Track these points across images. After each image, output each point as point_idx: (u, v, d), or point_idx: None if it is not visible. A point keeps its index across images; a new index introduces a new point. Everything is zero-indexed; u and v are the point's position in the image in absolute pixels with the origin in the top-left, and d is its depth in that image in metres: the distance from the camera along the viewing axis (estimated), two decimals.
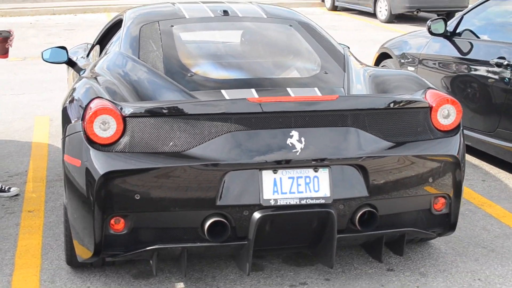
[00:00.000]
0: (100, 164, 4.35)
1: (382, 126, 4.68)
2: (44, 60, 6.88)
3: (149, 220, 4.48)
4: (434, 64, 8.19)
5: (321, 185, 4.51)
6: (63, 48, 6.85)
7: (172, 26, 5.73)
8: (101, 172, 4.32)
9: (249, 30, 6.16)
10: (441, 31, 8.10)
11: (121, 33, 5.88)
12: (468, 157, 8.04)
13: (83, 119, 4.48)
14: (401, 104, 4.77)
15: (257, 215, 4.41)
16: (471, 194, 6.94)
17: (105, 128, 4.37)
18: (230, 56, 5.81)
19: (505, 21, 7.99)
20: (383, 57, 9.39)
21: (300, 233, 4.69)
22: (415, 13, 21.05)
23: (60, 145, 7.39)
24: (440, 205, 4.92)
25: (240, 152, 4.39)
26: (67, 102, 4.95)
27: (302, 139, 4.47)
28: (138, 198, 4.35)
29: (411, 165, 4.70)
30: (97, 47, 7.20)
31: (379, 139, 4.63)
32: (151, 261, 4.65)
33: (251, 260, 4.53)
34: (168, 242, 4.52)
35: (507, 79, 7.08)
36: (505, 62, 7.12)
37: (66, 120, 4.80)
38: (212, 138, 4.40)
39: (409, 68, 8.58)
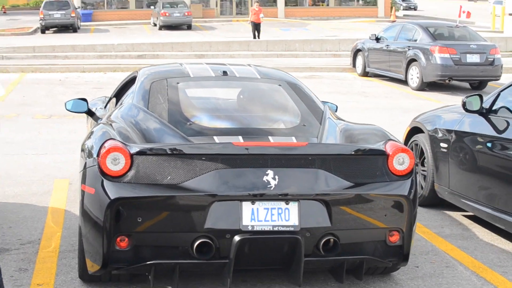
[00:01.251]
0: (110, 192, 5.34)
1: (345, 169, 5.63)
2: (66, 109, 7.96)
3: (148, 239, 5.44)
4: (469, 142, 7.84)
5: (291, 216, 5.46)
6: (84, 99, 8.00)
7: (178, 83, 6.87)
8: (111, 198, 5.31)
9: (244, 88, 7.26)
10: (477, 107, 7.76)
11: (134, 88, 6.96)
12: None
13: (98, 155, 5.48)
14: (361, 152, 5.77)
15: (237, 238, 5.34)
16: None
17: (116, 163, 5.38)
18: (224, 110, 6.94)
19: None
20: (414, 131, 9.07)
21: (274, 256, 5.60)
22: (447, 81, 20.72)
23: (77, 211, 7.47)
24: (394, 238, 5.79)
25: (225, 186, 5.39)
26: (86, 142, 6.01)
27: (276, 177, 5.46)
28: (140, 220, 5.35)
29: (369, 202, 5.64)
30: (114, 100, 8.06)
31: (342, 180, 5.58)
32: (149, 275, 5.50)
33: (231, 276, 5.41)
34: (164, 258, 5.43)
35: None
36: None
37: (84, 156, 5.87)
38: (203, 174, 5.41)
39: (442, 144, 8.24)
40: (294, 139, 6.10)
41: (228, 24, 49.30)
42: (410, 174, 5.84)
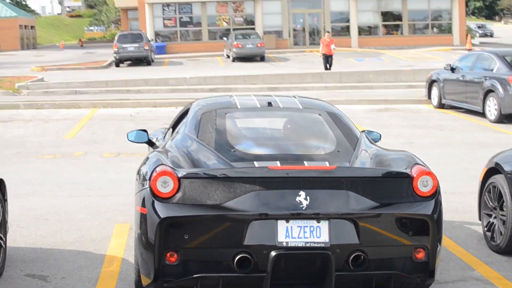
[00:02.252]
0: (160, 212, 5.98)
1: (372, 190, 6.15)
2: (128, 140, 8.67)
3: (194, 255, 6.04)
4: None
5: (322, 233, 6.01)
6: (145, 130, 8.61)
7: (226, 113, 7.48)
8: (161, 217, 5.95)
9: (286, 118, 7.80)
10: None
11: (187, 118, 7.57)
12: None
13: (149, 179, 6.11)
14: (387, 174, 6.31)
15: (273, 253, 5.91)
16: None
17: (165, 186, 6.00)
18: (266, 138, 7.50)
19: None
20: (492, 172, 8.50)
21: (307, 271, 6.13)
22: None
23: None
24: (419, 255, 6.24)
25: (262, 206, 5.97)
26: (141, 167, 6.63)
27: (308, 197, 6.02)
28: (187, 237, 5.96)
29: (394, 221, 6.14)
30: (171, 130, 8.48)
31: (368, 200, 6.10)
32: (196, 287, 6.02)
33: (270, 285, 5.96)
34: (208, 272, 5.99)
35: None
36: None
37: (139, 180, 6.53)
38: (242, 195, 5.98)
39: None
40: (327, 164, 6.61)
41: (301, 55, 49.01)
42: (434, 195, 6.32)
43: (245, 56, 44.32)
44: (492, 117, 20.12)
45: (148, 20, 53.77)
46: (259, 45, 44.74)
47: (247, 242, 5.92)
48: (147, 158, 6.72)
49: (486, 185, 8.56)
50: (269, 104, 7.75)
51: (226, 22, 55.32)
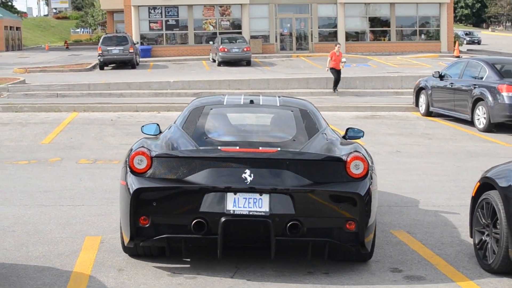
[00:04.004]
0: (135, 183, 7.46)
1: (309, 171, 7.47)
2: (142, 132, 9.43)
3: (162, 219, 7.48)
4: None
5: (263, 204, 7.32)
6: (157, 124, 9.49)
7: (211, 109, 8.92)
8: (135, 188, 7.43)
9: (261, 113, 9.14)
10: None
11: (182, 113, 9.04)
12: None
13: (129, 157, 7.66)
14: (323, 158, 7.63)
15: (223, 219, 7.25)
16: None
17: (140, 163, 7.52)
18: (237, 129, 8.68)
19: None
20: (485, 187, 8.01)
21: (253, 235, 7.52)
22: None
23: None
24: (351, 226, 7.46)
25: (215, 181, 7.36)
26: (131, 147, 8.07)
27: (252, 175, 7.36)
28: (155, 204, 7.43)
29: (328, 197, 7.40)
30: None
31: (305, 179, 7.41)
32: (165, 245, 7.58)
33: (221, 248, 7.32)
34: (173, 233, 7.43)
35: None
36: None
37: (124, 158, 7.98)
38: (199, 171, 7.41)
39: None
40: (275, 148, 7.71)
41: (288, 59, 48.54)
42: (365, 176, 7.56)
43: (231, 60, 43.78)
44: (481, 126, 19.69)
45: (134, 22, 53.17)
46: (245, 49, 44.20)
47: (202, 209, 7.32)
48: (136, 142, 8.22)
49: (479, 201, 8.06)
50: (251, 102, 9.21)
51: (212, 26, 54.76)
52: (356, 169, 7.51)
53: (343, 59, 29.16)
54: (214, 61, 45.79)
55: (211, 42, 49.46)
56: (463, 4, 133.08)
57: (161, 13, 53.82)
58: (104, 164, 14.22)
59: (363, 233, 7.47)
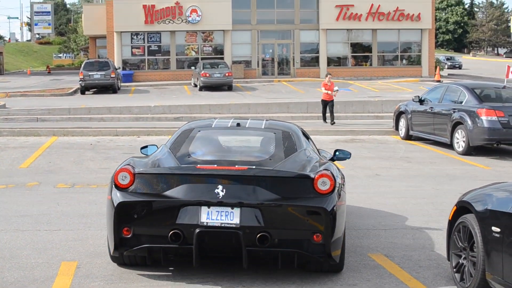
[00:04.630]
0: (118, 198, 8.08)
1: (278, 186, 7.98)
2: (141, 153, 10.15)
3: (142, 230, 8.05)
4: None
5: (234, 217, 7.86)
6: (156, 146, 10.21)
7: (199, 131, 9.61)
8: (118, 201, 8.05)
9: (245, 135, 9.81)
10: None
11: (173, 135, 9.75)
12: None
13: (114, 174, 8.26)
14: (292, 175, 8.09)
15: (197, 230, 7.80)
16: None
17: (124, 179, 8.11)
18: (220, 149, 9.34)
19: None
20: (462, 211, 8.00)
21: (225, 245, 8.01)
22: (494, 145, 19.61)
23: None
24: (318, 238, 7.92)
25: (190, 195, 7.95)
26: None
27: (224, 190, 7.91)
28: (136, 217, 8.00)
29: (296, 211, 7.89)
30: None
31: (274, 194, 7.92)
32: (145, 255, 8.18)
33: (196, 257, 7.87)
34: (153, 243, 8.01)
35: None
36: None
37: (111, 176, 8.43)
38: (176, 187, 8.01)
39: (494, 228, 7.17)
40: (252, 167, 8.21)
41: (269, 84, 48.66)
42: (331, 192, 8.04)
43: (213, 85, 43.84)
44: (460, 149, 19.76)
45: (116, 48, 53.15)
46: (227, 74, 44.28)
47: (178, 221, 7.88)
48: (124, 161, 8.86)
49: (456, 224, 8.05)
50: (238, 124, 9.83)
51: (195, 51, 54.82)
52: (323, 185, 8.00)
53: (336, 88, 28.00)
54: (196, 86, 45.87)
55: (193, 67, 49.52)
56: (445, 30, 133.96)
57: (143, 38, 53.86)
58: (82, 189, 14.14)
59: (329, 245, 7.96)
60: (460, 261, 8.01)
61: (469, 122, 19.47)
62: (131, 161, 8.58)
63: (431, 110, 21.62)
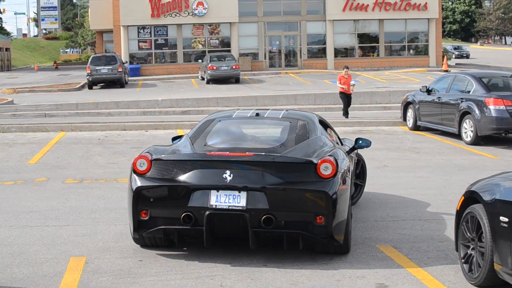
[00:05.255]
0: (137, 182, 8.79)
1: (282, 171, 8.51)
2: (172, 142, 10.60)
3: (158, 212, 8.73)
4: None
5: (241, 200, 8.40)
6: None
7: (220, 121, 10.20)
8: (137, 185, 8.76)
9: (263, 124, 10.36)
10: None
11: (196, 124, 10.39)
12: None
13: (133, 161, 8.93)
14: (296, 161, 8.64)
15: (207, 212, 8.37)
16: None
17: (142, 165, 8.82)
18: (236, 137, 9.84)
19: None
20: (470, 201, 7.99)
21: (233, 227, 8.58)
22: (503, 135, 19.55)
23: None
24: (320, 220, 8.41)
25: (201, 180, 8.56)
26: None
27: (232, 175, 8.48)
28: (152, 200, 8.71)
29: (299, 194, 8.41)
30: None
31: (279, 178, 8.45)
32: (162, 236, 8.90)
33: (206, 238, 8.46)
34: (167, 224, 8.67)
35: None
36: None
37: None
38: (189, 172, 8.63)
39: (502, 218, 7.15)
40: (262, 154, 8.78)
41: (276, 76, 48.66)
42: (333, 176, 8.52)
43: (220, 78, 43.87)
44: (468, 139, 19.71)
45: (123, 42, 53.23)
46: (234, 67, 44.31)
47: (190, 204, 8.48)
48: (146, 148, 9.62)
49: (464, 214, 8.04)
50: (257, 114, 10.37)
51: (201, 44, 54.85)
52: (325, 170, 8.48)
53: (353, 82, 27.03)
54: (203, 79, 45.90)
55: (200, 61, 49.58)
56: (452, 20, 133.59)
57: (150, 32, 53.93)
58: (91, 184, 14.16)
59: (331, 227, 8.44)
60: (469, 251, 8.00)
61: (477, 111, 19.41)
62: (152, 148, 9.30)
63: (439, 100, 21.57)
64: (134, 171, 8.82)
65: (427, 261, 8.77)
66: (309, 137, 9.56)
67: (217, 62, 44.88)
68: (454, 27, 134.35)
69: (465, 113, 19.97)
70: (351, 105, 27.11)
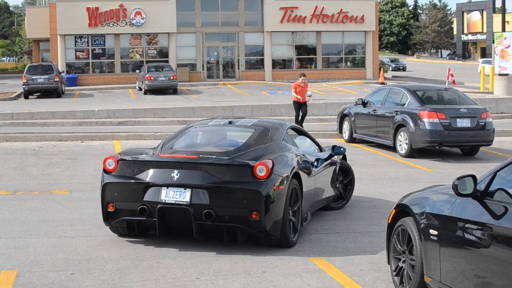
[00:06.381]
0: (104, 179, 10.22)
1: (223, 172, 9.69)
2: None
3: (121, 205, 10.09)
4: (462, 229, 6.87)
5: (186, 196, 9.66)
6: None
7: (195, 127, 11.66)
8: (105, 182, 10.19)
9: (230, 131, 11.44)
10: (470, 190, 6.81)
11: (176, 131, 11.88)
12: None
13: (104, 160, 10.34)
14: (234, 163, 9.77)
15: (158, 205, 9.70)
16: None
17: (110, 165, 10.21)
18: (199, 142, 11.15)
19: None
20: (400, 214, 8.09)
21: (180, 220, 9.86)
22: (437, 147, 19.83)
23: None
24: (255, 216, 9.53)
25: (154, 178, 9.88)
26: None
27: (179, 174, 9.77)
28: (116, 194, 10.08)
29: (237, 192, 9.56)
30: None
31: (219, 178, 9.64)
32: (125, 226, 10.26)
33: (159, 228, 9.84)
34: (128, 216, 10.06)
35: None
36: None
37: None
38: (144, 171, 10.00)
39: (431, 231, 7.26)
40: (212, 156, 10.02)
41: (214, 87, 48.64)
42: (267, 177, 9.60)
43: (157, 88, 43.67)
44: (403, 152, 19.95)
45: (60, 51, 52.71)
46: (172, 77, 44.16)
47: (145, 199, 9.83)
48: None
49: (395, 227, 8.14)
50: (230, 122, 11.60)
51: (139, 54, 54.58)
52: (260, 172, 9.59)
53: (309, 92, 26.09)
54: (141, 89, 45.66)
55: (137, 71, 49.35)
56: (389, 32, 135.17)
57: (87, 42, 53.49)
58: (24, 195, 13.98)
59: (265, 222, 9.53)
60: (400, 264, 8.10)
61: (411, 124, 19.67)
62: (126, 150, 11.19)
63: (374, 112, 21.80)
64: (104, 169, 10.25)
65: (360, 274, 8.85)
66: (266, 143, 10.67)
67: (154, 72, 44.67)
68: (391, 39, 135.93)
69: (400, 126, 20.21)
70: (281, 116, 27.15)
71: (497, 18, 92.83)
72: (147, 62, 51.64)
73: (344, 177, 13.30)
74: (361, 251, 9.91)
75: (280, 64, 56.50)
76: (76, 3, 52.09)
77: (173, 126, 27.41)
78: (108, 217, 10.25)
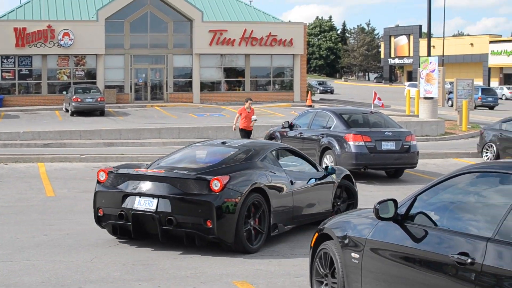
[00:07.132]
0: (96, 188, 11.98)
1: (184, 185, 11.04)
2: None
3: (107, 211, 11.73)
4: (382, 253, 6.90)
5: (153, 205, 11.16)
6: None
7: (191, 146, 13.37)
8: (96, 190, 11.98)
9: (220, 150, 12.66)
10: (391, 214, 6.86)
11: None
12: None
13: (97, 172, 12.09)
14: (194, 178, 11.06)
15: (132, 212, 11.26)
16: None
17: (102, 176, 11.90)
18: (185, 159, 12.49)
19: (467, 205, 6.71)
20: (323, 237, 8.10)
21: (149, 225, 11.33)
22: (362, 170, 20.03)
23: None
24: (208, 223, 10.84)
25: (131, 188, 11.45)
26: None
27: (148, 186, 11.31)
28: (103, 201, 11.79)
29: (194, 203, 10.94)
30: None
31: (180, 190, 11.01)
32: (111, 228, 11.94)
33: (133, 231, 11.43)
34: (112, 220, 11.68)
35: (471, 280, 5.78)
36: (468, 260, 5.84)
37: None
38: (125, 182, 11.61)
39: (353, 254, 7.27)
40: (185, 172, 11.38)
41: (142, 109, 48.37)
42: (221, 191, 10.83)
43: (84, 110, 43.20)
44: None
45: None
46: (99, 99, 43.73)
47: (123, 205, 11.38)
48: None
49: (318, 251, 8.15)
50: (223, 143, 13.13)
51: (67, 75, 53.93)
52: (215, 186, 10.83)
53: (254, 117, 24.69)
54: (68, 111, 45.09)
55: (64, 92, 48.75)
56: (318, 55, 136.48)
57: (14, 62, 52.66)
58: None
59: (214, 228, 10.78)
60: (322, 287, 8.09)
61: (337, 147, 19.83)
62: (122, 164, 13.22)
63: (301, 135, 21.90)
64: (97, 180, 11.96)
65: None
66: (242, 161, 12.00)
67: (82, 94, 44.18)
68: (319, 62, 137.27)
69: (326, 149, 20.37)
70: None
71: (423, 43, 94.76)
72: (75, 83, 51.03)
73: (349, 197, 14.31)
74: (285, 274, 9.90)
75: (209, 87, 56.46)
76: (3, 23, 51.36)
77: (99, 148, 27.20)
78: (99, 220, 11.97)
